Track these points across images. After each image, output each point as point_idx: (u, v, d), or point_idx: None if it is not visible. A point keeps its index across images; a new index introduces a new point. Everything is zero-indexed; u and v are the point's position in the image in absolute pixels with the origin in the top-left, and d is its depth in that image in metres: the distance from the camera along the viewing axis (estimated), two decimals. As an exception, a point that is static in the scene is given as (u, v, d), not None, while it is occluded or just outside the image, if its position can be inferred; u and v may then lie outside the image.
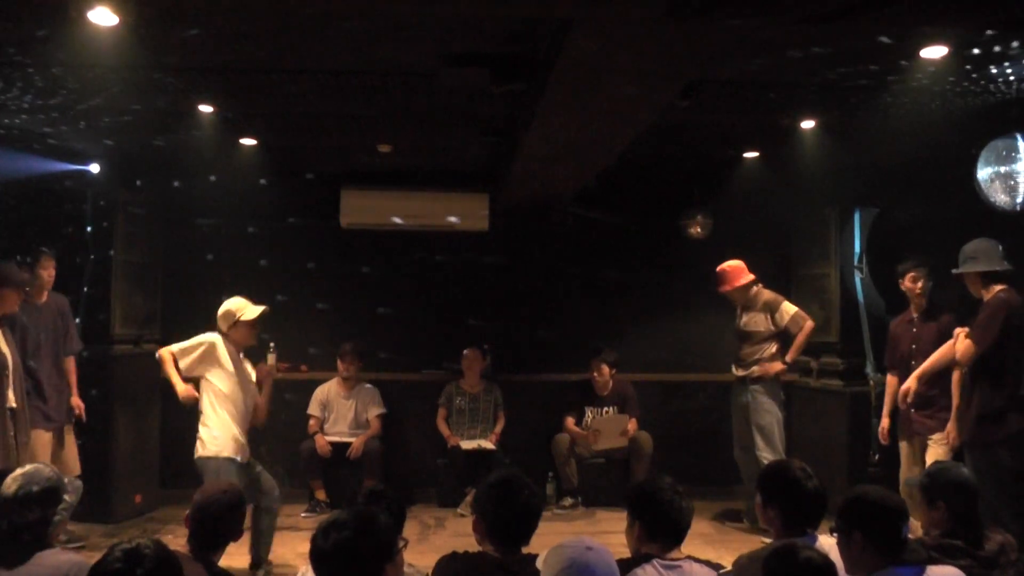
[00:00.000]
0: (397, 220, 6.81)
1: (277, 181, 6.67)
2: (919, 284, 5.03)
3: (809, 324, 5.93)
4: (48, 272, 5.49)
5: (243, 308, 4.85)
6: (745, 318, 6.07)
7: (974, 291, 4.53)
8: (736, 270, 6.03)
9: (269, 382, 5.10)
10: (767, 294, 6.05)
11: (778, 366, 5.91)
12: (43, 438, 5.35)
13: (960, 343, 4.47)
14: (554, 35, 3.38)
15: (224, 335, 4.84)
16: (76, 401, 5.67)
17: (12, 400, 4.83)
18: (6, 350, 4.86)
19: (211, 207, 6.91)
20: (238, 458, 4.75)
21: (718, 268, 6.07)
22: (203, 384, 4.81)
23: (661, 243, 7.14)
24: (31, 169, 5.71)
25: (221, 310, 4.88)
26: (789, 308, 5.97)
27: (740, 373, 6.09)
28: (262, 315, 4.88)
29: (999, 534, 3.10)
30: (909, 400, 4.77)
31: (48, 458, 5.34)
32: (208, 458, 4.70)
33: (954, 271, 4.56)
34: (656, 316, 7.24)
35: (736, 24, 3.05)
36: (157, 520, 6.10)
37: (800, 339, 5.92)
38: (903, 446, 5.09)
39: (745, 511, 6.14)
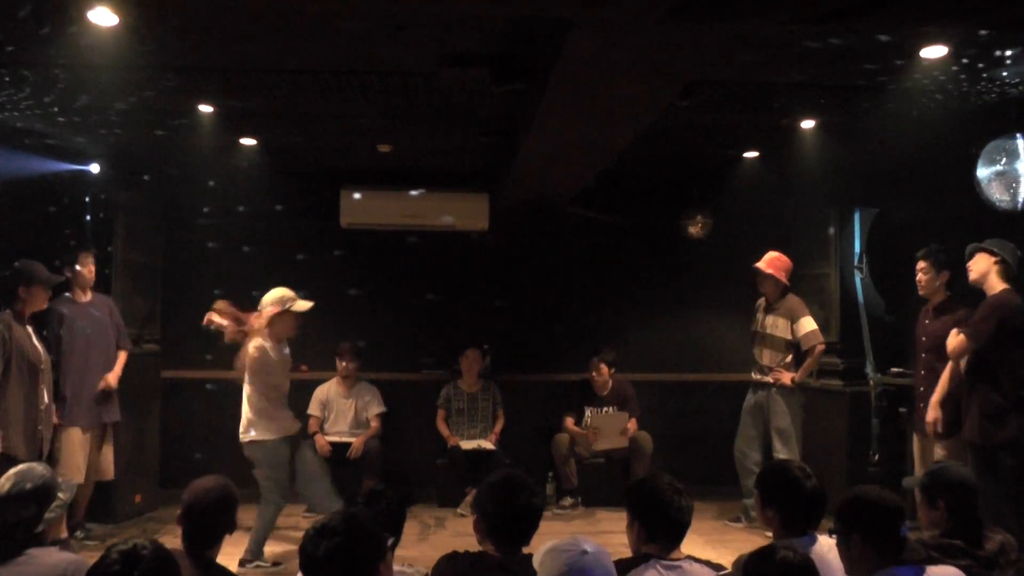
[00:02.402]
0: (397, 220, 6.84)
1: (277, 181, 6.67)
2: (919, 276, 4.89)
3: (821, 347, 5.95)
4: (88, 269, 5.56)
5: (295, 298, 5.04)
6: (769, 320, 6.07)
7: (976, 275, 4.44)
8: (786, 263, 6.04)
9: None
10: (795, 300, 6.06)
11: (786, 377, 5.91)
12: (78, 437, 5.39)
13: (952, 338, 4.47)
14: (554, 35, 3.38)
15: (267, 325, 4.98)
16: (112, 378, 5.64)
17: (45, 398, 4.95)
18: (39, 347, 4.97)
19: (211, 207, 6.91)
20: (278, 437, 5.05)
21: (774, 252, 6.06)
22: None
23: (661, 243, 7.14)
24: (31, 169, 5.71)
25: (274, 294, 5.03)
26: (809, 323, 5.96)
27: (759, 378, 6.09)
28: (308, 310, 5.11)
29: (999, 534, 3.10)
30: (940, 430, 4.65)
31: (83, 458, 5.41)
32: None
33: (971, 246, 4.48)
34: (656, 316, 7.24)
35: (736, 24, 3.05)
36: (157, 520, 6.11)
37: (809, 362, 5.95)
38: (917, 441, 5.04)
39: (744, 509, 6.16)
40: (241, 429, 5.05)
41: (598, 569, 2.23)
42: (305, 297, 5.16)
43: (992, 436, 4.27)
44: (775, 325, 6.03)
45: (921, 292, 4.94)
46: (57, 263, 5.42)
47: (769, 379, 5.97)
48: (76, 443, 5.37)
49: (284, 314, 5.01)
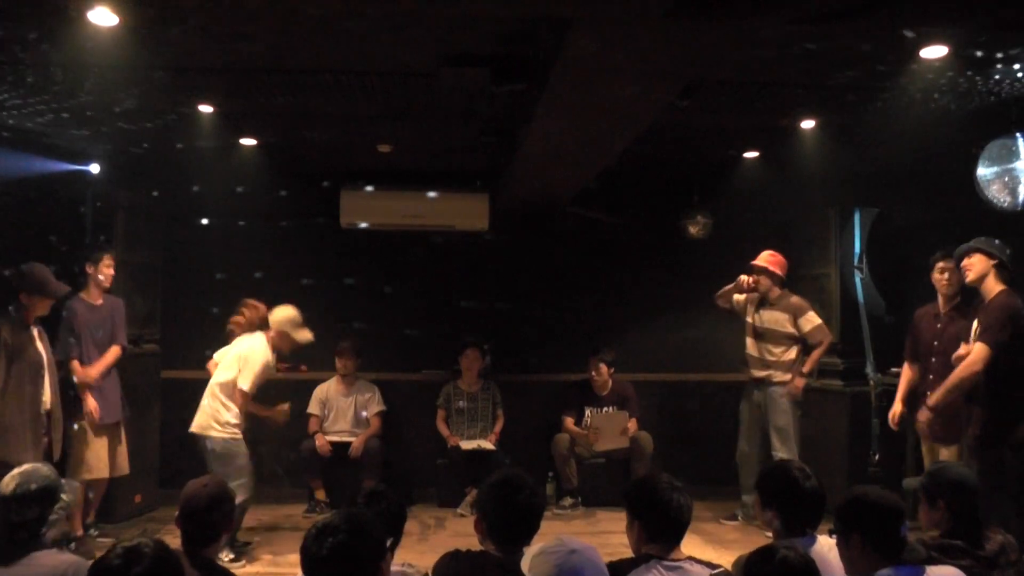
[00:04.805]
0: (397, 220, 6.84)
1: (277, 181, 6.67)
2: (945, 276, 4.82)
3: (829, 339, 5.96)
4: (110, 271, 5.52)
5: (302, 327, 5.30)
6: (767, 315, 6.07)
7: (975, 275, 4.40)
8: (782, 260, 6.08)
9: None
10: (795, 298, 6.07)
11: (800, 383, 5.91)
12: (90, 433, 5.39)
13: (964, 349, 4.41)
14: (554, 35, 3.38)
15: (268, 337, 5.28)
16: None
17: (47, 402, 4.88)
18: (42, 350, 4.90)
19: (211, 207, 6.91)
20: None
21: (768, 251, 6.08)
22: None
23: (661, 243, 7.14)
24: (31, 169, 5.71)
25: (285, 315, 5.28)
26: (815, 318, 5.97)
27: (759, 374, 6.09)
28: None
29: (999, 534, 3.10)
30: (927, 424, 4.67)
31: (102, 452, 5.42)
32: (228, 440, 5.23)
33: (966, 245, 4.44)
34: (656, 316, 7.24)
35: (736, 24, 3.05)
36: (157, 520, 6.10)
37: (817, 353, 5.95)
38: (926, 446, 5.01)
39: (741, 507, 6.17)
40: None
41: (588, 567, 2.22)
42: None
43: (998, 436, 4.25)
44: (775, 320, 6.04)
45: (946, 292, 4.86)
46: (76, 266, 5.46)
47: (781, 392, 5.94)
48: (89, 437, 5.36)
49: (288, 337, 5.27)
